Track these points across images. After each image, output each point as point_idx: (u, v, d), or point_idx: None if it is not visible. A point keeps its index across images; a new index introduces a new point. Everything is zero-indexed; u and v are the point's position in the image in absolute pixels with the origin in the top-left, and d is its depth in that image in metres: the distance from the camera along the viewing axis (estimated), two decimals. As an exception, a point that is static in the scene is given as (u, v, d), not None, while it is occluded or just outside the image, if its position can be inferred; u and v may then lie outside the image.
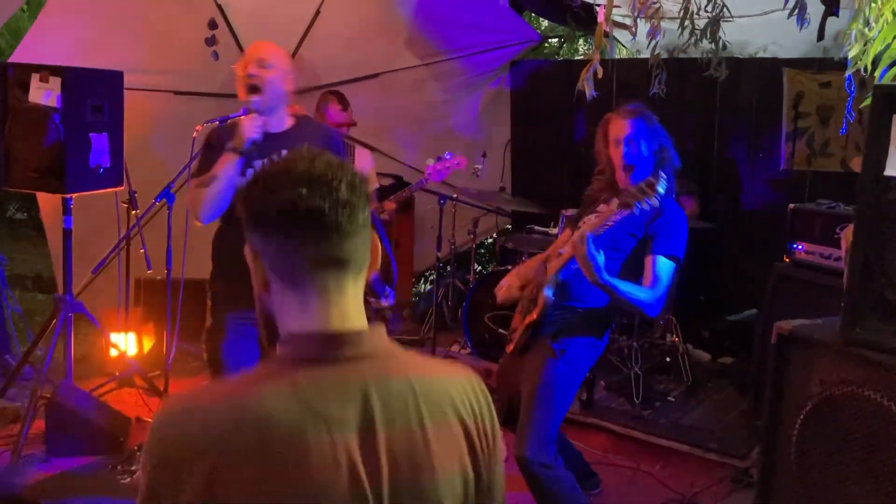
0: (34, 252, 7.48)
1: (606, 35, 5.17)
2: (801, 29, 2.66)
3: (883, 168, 1.81)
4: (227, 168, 2.77)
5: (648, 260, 2.74)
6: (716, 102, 5.23)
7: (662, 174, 2.57)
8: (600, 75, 2.55)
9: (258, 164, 2.74)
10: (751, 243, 5.10)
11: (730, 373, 4.71)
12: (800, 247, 3.82)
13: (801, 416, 2.03)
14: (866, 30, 1.92)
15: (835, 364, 1.95)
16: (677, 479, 3.55)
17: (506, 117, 6.11)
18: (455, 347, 4.94)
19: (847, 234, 2.01)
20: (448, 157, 4.35)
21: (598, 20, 2.24)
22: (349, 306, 1.10)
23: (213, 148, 2.89)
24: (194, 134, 3.70)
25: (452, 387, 1.12)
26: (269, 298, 1.12)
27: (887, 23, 1.81)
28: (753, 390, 4.00)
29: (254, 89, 2.84)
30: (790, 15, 2.64)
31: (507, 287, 3.03)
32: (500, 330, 3.07)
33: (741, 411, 4.18)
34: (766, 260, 4.23)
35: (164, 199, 3.73)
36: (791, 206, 3.91)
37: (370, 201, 1.12)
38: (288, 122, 2.95)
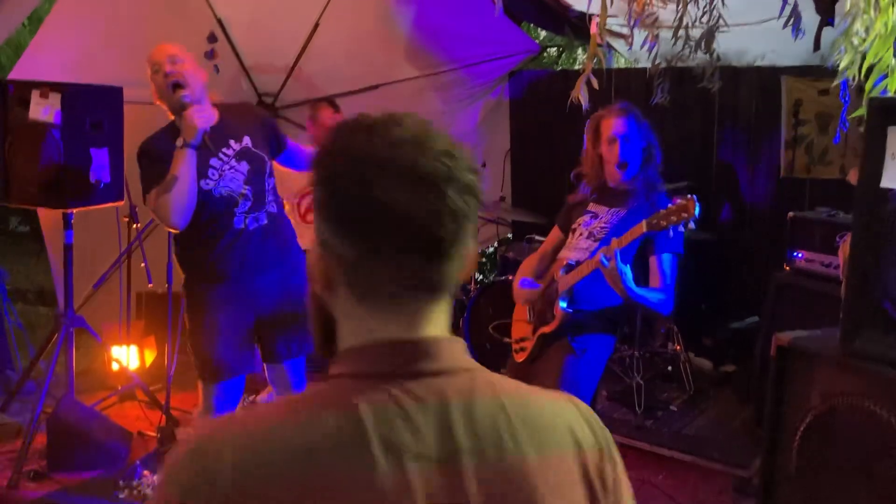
0: (36, 266, 7.49)
1: (601, 45, 5.19)
2: (796, 39, 2.67)
3: (879, 180, 1.81)
4: (183, 165, 2.68)
5: (654, 260, 2.80)
6: (714, 110, 5.24)
7: (691, 196, 2.62)
8: (595, 86, 2.56)
9: (214, 161, 2.77)
10: (751, 250, 5.11)
11: (732, 381, 4.71)
12: (800, 255, 3.82)
13: (802, 428, 2.04)
14: (855, 39, 1.93)
15: (834, 376, 1.96)
16: (681, 489, 3.54)
17: (505, 127, 6.12)
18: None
19: (845, 246, 2.01)
20: None
21: (591, 31, 2.25)
22: (429, 326, 0.90)
23: (153, 159, 2.79)
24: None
25: (559, 412, 0.93)
26: (332, 301, 0.92)
27: (879, 35, 1.81)
28: (755, 399, 4.00)
29: (178, 86, 2.80)
30: (785, 25, 2.65)
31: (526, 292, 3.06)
32: (505, 339, 3.12)
33: (744, 420, 4.18)
34: (766, 267, 4.23)
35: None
36: (790, 214, 3.92)
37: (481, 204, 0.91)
38: (215, 114, 2.87)
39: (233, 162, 2.81)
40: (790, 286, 3.83)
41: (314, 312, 0.97)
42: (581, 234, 2.98)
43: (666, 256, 2.78)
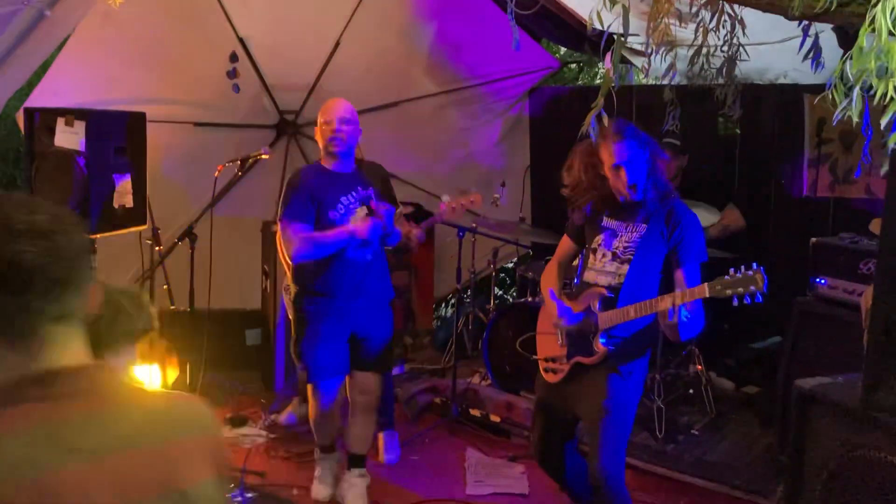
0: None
1: (625, 61, 5.13)
2: (815, 71, 2.65)
3: (903, 232, 1.79)
4: (337, 239, 3.33)
5: (681, 273, 2.77)
6: (736, 129, 5.20)
7: (758, 268, 2.66)
8: (606, 122, 2.55)
9: (343, 198, 3.40)
10: (773, 271, 5.03)
11: (754, 403, 4.66)
12: (823, 281, 3.78)
13: (823, 477, 2.02)
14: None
15: (856, 426, 1.94)
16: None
17: (525, 144, 6.11)
18: (476, 378, 4.94)
19: (867, 296, 1.99)
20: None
21: (605, 66, 2.23)
22: (68, 351, 1.11)
23: (296, 188, 3.41)
24: (216, 174, 3.78)
25: (176, 412, 1.19)
26: None
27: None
28: (778, 424, 3.96)
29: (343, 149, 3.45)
30: (805, 58, 2.63)
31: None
32: (533, 356, 3.10)
33: (766, 446, 4.14)
34: (789, 287, 4.19)
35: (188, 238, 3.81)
36: (813, 239, 3.88)
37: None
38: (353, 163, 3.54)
39: (357, 204, 3.42)
40: (813, 313, 3.79)
41: None
42: (605, 256, 2.92)
43: (693, 267, 2.76)
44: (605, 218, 2.96)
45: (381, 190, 3.55)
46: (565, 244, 3.16)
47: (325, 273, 3.39)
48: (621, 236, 2.90)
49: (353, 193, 3.44)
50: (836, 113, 2.06)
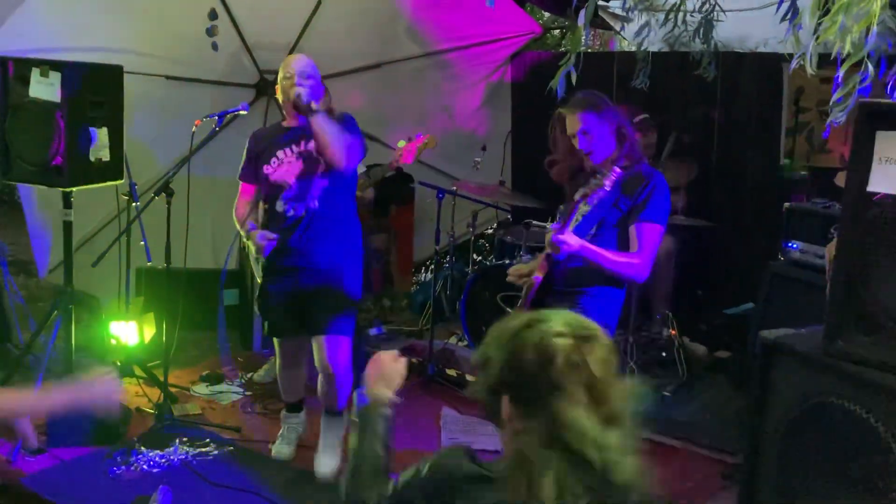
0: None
1: (606, 27, 5.12)
2: (792, 34, 2.67)
3: (866, 184, 1.83)
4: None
5: (633, 229, 2.82)
6: (716, 96, 5.22)
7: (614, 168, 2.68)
8: (574, 80, 2.58)
9: (279, 152, 3.35)
10: (748, 238, 5.12)
11: (726, 367, 4.74)
12: (795, 246, 3.84)
13: (784, 424, 2.07)
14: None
15: (817, 375, 1.99)
16: (670, 475, 3.58)
17: (507, 109, 6.11)
18: (453, 339, 4.99)
19: (831, 248, 2.03)
20: (418, 136, 4.36)
21: (578, 23, 2.24)
22: None
23: (250, 156, 3.47)
24: (193, 128, 3.75)
25: None
26: None
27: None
28: (749, 386, 4.03)
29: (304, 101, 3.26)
30: (783, 19, 2.64)
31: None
32: (509, 309, 3.14)
33: (737, 408, 4.21)
34: (763, 254, 4.25)
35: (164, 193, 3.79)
36: (786, 205, 3.93)
37: None
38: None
39: (292, 158, 3.33)
40: (785, 277, 3.85)
41: None
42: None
43: (646, 225, 2.80)
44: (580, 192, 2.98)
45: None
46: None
47: (271, 228, 3.37)
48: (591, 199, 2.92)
49: (294, 147, 3.35)
50: (793, 61, 2.09)
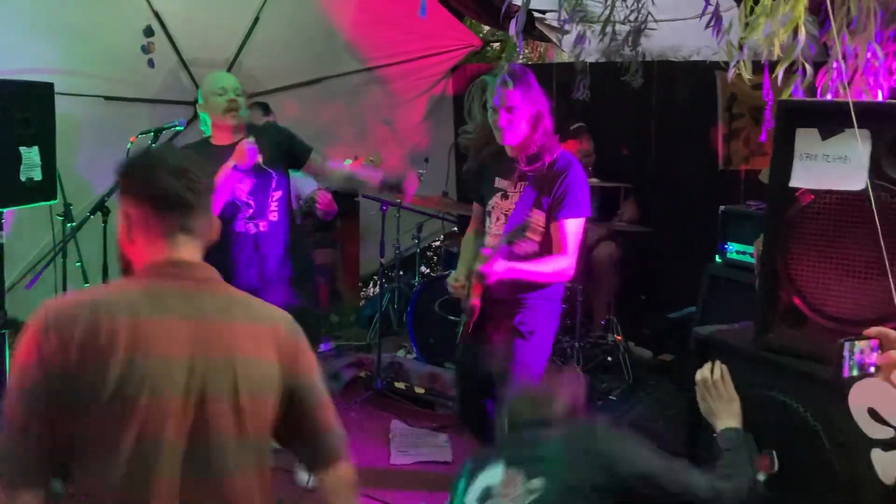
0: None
1: (543, 39, 5.18)
2: (718, 39, 2.74)
3: (788, 180, 1.88)
4: (225, 182, 3.17)
5: (556, 226, 2.81)
6: (652, 105, 5.33)
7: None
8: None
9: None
10: (689, 243, 5.21)
11: (670, 370, 4.82)
12: (731, 247, 3.93)
13: (720, 419, 2.10)
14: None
15: (749, 368, 2.03)
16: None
17: (449, 122, 6.15)
18: (401, 352, 4.97)
19: (758, 244, 2.08)
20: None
21: (510, 32, 2.26)
22: (188, 252, 1.59)
23: None
24: (128, 145, 3.68)
25: (255, 305, 1.65)
26: (129, 248, 1.61)
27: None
28: (692, 388, 4.09)
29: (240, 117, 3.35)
30: (707, 26, 2.71)
31: None
32: (451, 317, 3.13)
33: (679, 409, 4.28)
34: (703, 259, 4.33)
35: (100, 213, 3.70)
36: (722, 207, 4.02)
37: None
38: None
39: (241, 176, 3.25)
40: (722, 278, 3.94)
41: (121, 256, 1.64)
42: (498, 220, 2.96)
43: (570, 222, 2.81)
44: (496, 178, 2.98)
45: (272, 156, 3.34)
46: (476, 210, 3.21)
47: (214, 248, 3.26)
48: (511, 198, 2.93)
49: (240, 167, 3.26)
50: (730, 68, 2.15)
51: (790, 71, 2.05)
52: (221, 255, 3.15)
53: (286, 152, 3.44)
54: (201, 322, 1.52)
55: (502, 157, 2.97)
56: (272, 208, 3.34)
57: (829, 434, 1.80)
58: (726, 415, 1.99)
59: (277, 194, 3.35)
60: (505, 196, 2.94)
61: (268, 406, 1.56)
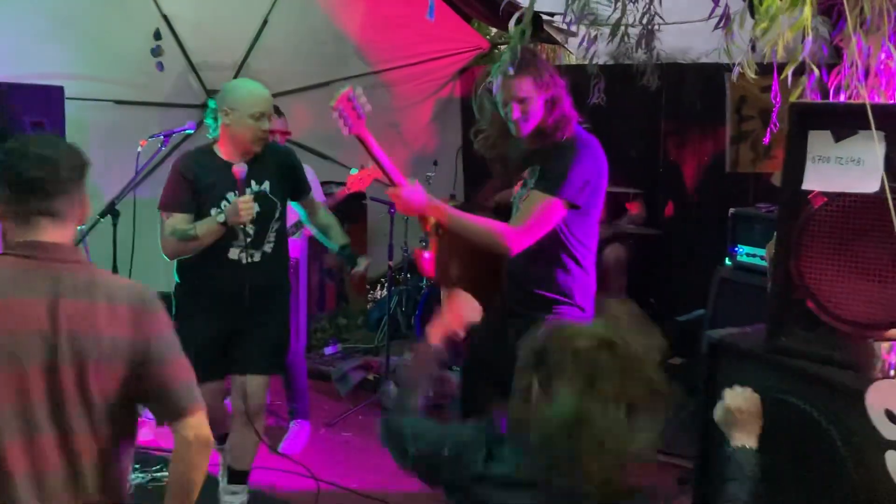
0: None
1: (551, 41, 5.17)
2: (728, 41, 2.73)
3: (800, 183, 1.87)
4: (211, 236, 3.04)
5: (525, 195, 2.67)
6: (661, 107, 5.32)
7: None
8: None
9: (230, 195, 3.08)
10: (697, 245, 5.20)
11: (679, 373, 4.78)
12: (741, 250, 3.91)
13: (732, 422, 2.09)
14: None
15: (761, 372, 2.01)
16: (626, 481, 3.60)
17: (457, 125, 6.15)
18: (409, 355, 4.96)
19: (770, 247, 2.07)
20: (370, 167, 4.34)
21: (509, 27, 2.23)
22: (51, 234, 1.74)
23: (185, 180, 3.12)
24: (139, 149, 3.70)
25: (114, 284, 1.82)
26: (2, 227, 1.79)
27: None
28: (701, 391, 4.07)
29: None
30: (716, 27, 2.71)
31: None
32: None
33: (690, 412, 4.24)
34: (713, 262, 4.32)
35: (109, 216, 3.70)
36: (732, 210, 4.01)
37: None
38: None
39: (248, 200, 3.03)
40: (732, 281, 3.92)
41: None
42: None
43: (536, 194, 2.57)
44: (516, 171, 2.89)
45: (277, 182, 3.21)
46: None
47: (203, 270, 3.15)
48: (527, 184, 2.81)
49: (245, 190, 3.08)
50: (734, 67, 2.14)
51: (799, 73, 2.04)
52: (213, 282, 3.14)
53: (290, 179, 3.31)
54: (60, 300, 1.69)
55: (521, 148, 2.82)
56: (269, 239, 3.20)
57: (843, 436, 1.79)
58: (746, 430, 1.92)
59: (276, 225, 3.21)
60: (524, 185, 2.78)
61: (116, 375, 1.74)
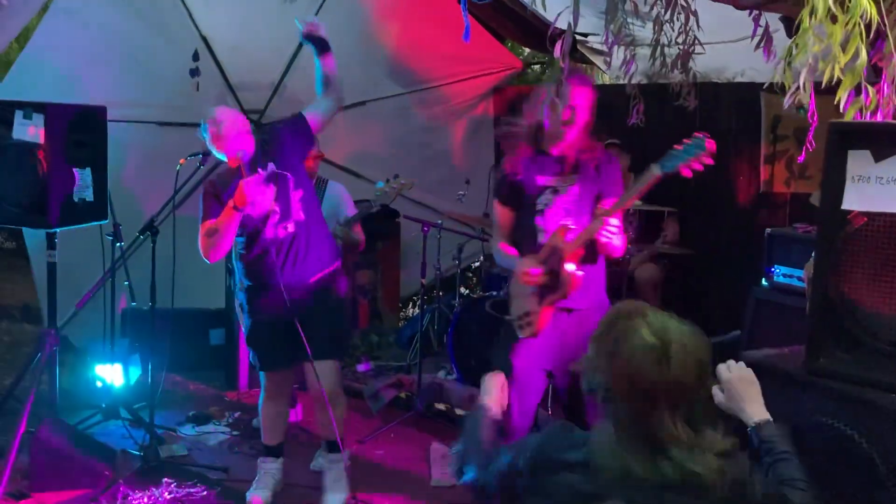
0: (23, 283, 7.46)
1: (587, 61, 5.19)
2: (768, 60, 2.72)
3: (840, 202, 1.86)
4: (228, 222, 3.20)
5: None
6: (695, 126, 5.28)
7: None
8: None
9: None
10: (733, 266, 5.15)
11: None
12: (778, 270, 3.87)
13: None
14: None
15: (800, 393, 1.99)
16: None
17: (490, 143, 6.17)
18: (441, 373, 4.97)
19: (809, 268, 2.05)
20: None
21: (555, 54, 2.28)
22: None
23: (214, 193, 3.33)
24: (178, 167, 3.77)
25: None
26: None
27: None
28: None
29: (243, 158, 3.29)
30: (757, 47, 2.70)
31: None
32: (506, 317, 3.06)
33: (725, 431, 4.19)
34: (748, 282, 4.28)
35: (149, 233, 3.79)
36: (768, 230, 3.97)
37: None
38: (251, 146, 3.34)
39: (262, 188, 3.22)
40: (769, 301, 3.88)
41: None
42: (555, 215, 2.99)
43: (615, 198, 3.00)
44: (537, 177, 3.01)
45: (283, 154, 3.37)
46: (504, 216, 3.11)
47: (252, 260, 3.36)
48: (570, 192, 3.01)
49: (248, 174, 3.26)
50: (787, 97, 2.12)
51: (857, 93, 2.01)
52: (262, 265, 3.32)
53: (291, 140, 3.42)
54: None
55: (542, 156, 3.04)
56: (296, 208, 3.35)
57: (886, 460, 1.76)
58: (756, 402, 1.81)
59: (298, 194, 3.36)
60: (555, 191, 3.01)
61: None
